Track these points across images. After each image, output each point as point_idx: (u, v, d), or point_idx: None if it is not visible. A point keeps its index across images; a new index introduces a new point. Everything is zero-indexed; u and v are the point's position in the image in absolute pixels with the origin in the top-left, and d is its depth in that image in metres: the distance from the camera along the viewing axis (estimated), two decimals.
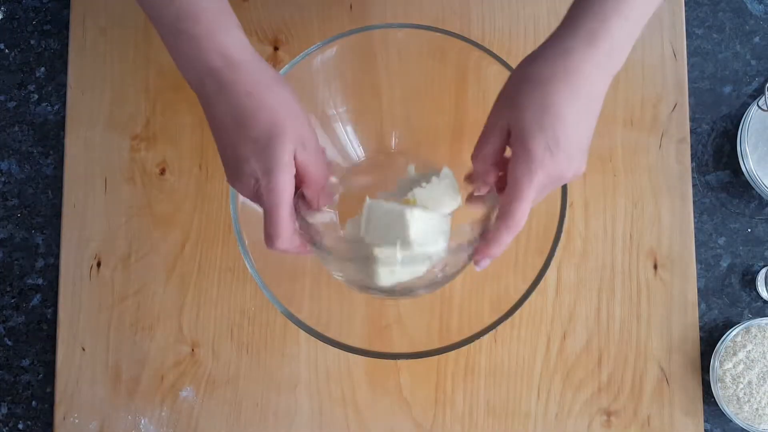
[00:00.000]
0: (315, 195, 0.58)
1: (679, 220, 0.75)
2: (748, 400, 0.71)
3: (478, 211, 0.62)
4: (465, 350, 0.74)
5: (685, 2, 0.77)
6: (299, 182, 0.56)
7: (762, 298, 0.75)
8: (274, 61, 0.78)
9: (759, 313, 0.76)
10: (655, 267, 0.75)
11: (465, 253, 0.60)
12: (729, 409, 0.72)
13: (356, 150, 0.74)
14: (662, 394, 0.74)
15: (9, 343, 0.77)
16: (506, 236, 0.54)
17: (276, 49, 0.78)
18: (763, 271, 0.75)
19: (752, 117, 0.74)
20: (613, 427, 0.74)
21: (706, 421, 0.74)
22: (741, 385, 0.72)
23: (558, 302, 0.75)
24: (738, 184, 0.76)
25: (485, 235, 0.57)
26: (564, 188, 0.65)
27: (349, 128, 0.73)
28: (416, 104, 0.74)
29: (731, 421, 0.72)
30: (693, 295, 0.74)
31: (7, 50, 0.80)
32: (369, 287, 0.61)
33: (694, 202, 0.76)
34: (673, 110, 0.76)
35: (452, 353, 0.74)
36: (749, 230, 0.76)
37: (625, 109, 0.76)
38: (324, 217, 0.64)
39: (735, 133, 0.76)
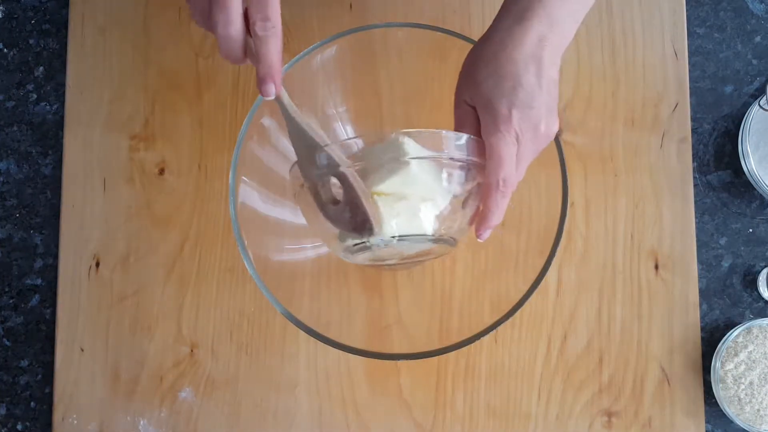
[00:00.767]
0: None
1: (680, 220, 0.75)
2: (750, 401, 0.71)
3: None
4: (465, 351, 0.74)
5: (686, 1, 0.77)
6: None
7: (763, 298, 0.75)
8: None
9: (760, 314, 0.75)
10: (656, 267, 0.74)
11: (467, 209, 0.59)
12: (730, 409, 0.71)
13: (356, 149, 0.74)
14: (663, 395, 0.74)
15: (7, 343, 0.77)
16: (501, 201, 0.55)
17: None
18: (765, 271, 0.75)
19: (753, 117, 0.74)
20: (614, 428, 0.73)
21: (707, 422, 0.74)
22: (742, 386, 0.71)
23: (559, 303, 0.74)
24: (739, 184, 0.76)
25: (482, 206, 0.57)
26: (565, 189, 0.65)
27: (349, 128, 0.73)
28: (416, 104, 0.73)
29: (732, 422, 0.72)
30: (694, 295, 0.74)
31: (5, 50, 0.79)
32: (367, 242, 0.57)
33: (696, 202, 0.76)
34: (674, 110, 0.76)
35: (452, 354, 0.74)
36: (750, 230, 0.76)
37: (625, 109, 0.76)
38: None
39: (736, 132, 0.76)
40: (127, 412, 0.75)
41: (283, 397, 0.75)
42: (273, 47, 0.50)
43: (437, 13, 0.77)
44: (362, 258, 0.61)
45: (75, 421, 0.75)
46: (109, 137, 0.77)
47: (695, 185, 0.76)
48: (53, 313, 0.77)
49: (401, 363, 0.74)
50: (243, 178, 0.66)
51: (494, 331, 0.64)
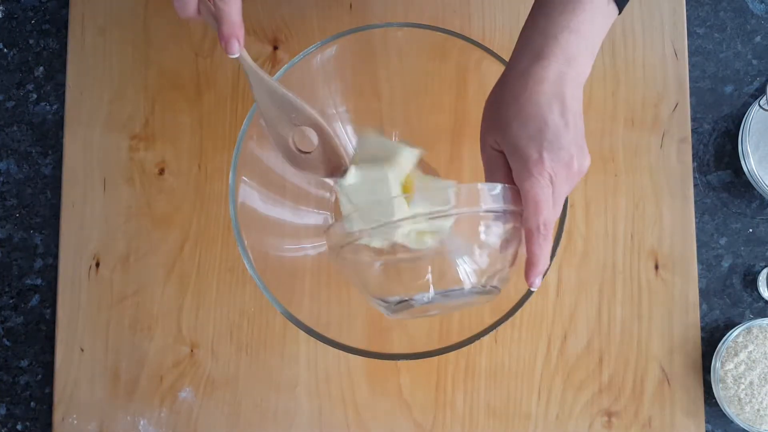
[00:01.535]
0: None
1: (680, 220, 0.75)
2: (750, 401, 0.71)
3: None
4: (465, 351, 0.74)
5: (686, 1, 0.77)
6: None
7: (763, 298, 0.75)
8: (274, 61, 0.77)
9: (760, 314, 0.75)
10: (657, 267, 0.74)
11: (506, 254, 0.58)
12: (730, 409, 0.71)
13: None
14: (663, 395, 0.74)
15: (7, 343, 0.77)
16: (545, 244, 0.54)
17: (275, 48, 0.78)
18: (765, 271, 0.75)
19: (753, 117, 0.74)
20: (614, 428, 0.73)
21: (707, 422, 0.74)
22: (742, 386, 0.71)
23: (559, 303, 0.74)
24: (739, 184, 0.76)
25: (528, 254, 0.56)
26: None
27: (349, 128, 0.73)
28: (416, 104, 0.73)
29: (732, 422, 0.72)
30: (694, 295, 0.74)
31: (5, 50, 0.79)
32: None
33: (696, 202, 0.76)
34: (674, 110, 0.76)
35: (452, 354, 0.74)
36: (750, 230, 0.76)
37: (626, 109, 0.76)
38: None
39: (736, 132, 0.76)
40: (127, 412, 0.75)
41: (283, 397, 0.75)
42: (234, 6, 0.52)
43: (437, 13, 0.77)
44: (406, 315, 0.60)
45: (75, 421, 0.75)
46: (109, 137, 0.77)
47: (695, 185, 0.76)
48: (53, 313, 0.77)
49: (401, 363, 0.74)
50: (243, 178, 0.66)
51: (494, 331, 0.64)
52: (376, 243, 0.56)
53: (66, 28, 0.79)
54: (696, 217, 0.75)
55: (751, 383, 0.71)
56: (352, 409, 0.74)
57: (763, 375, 0.71)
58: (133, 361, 0.75)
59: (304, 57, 0.66)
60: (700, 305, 0.75)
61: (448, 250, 0.56)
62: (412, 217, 0.55)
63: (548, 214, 0.54)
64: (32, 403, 0.77)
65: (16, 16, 0.80)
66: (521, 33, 0.57)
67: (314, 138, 0.59)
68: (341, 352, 0.64)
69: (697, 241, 0.75)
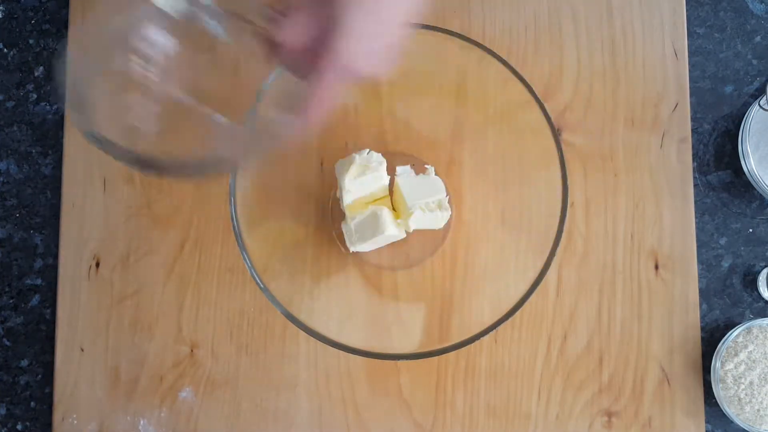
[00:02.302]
0: None
1: (680, 220, 0.75)
2: (750, 401, 0.71)
3: None
4: (465, 351, 0.74)
5: (686, 1, 0.77)
6: None
7: (763, 298, 0.75)
8: (273, 61, 0.77)
9: (760, 314, 0.75)
10: (657, 267, 0.74)
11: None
12: (730, 409, 0.71)
13: None
14: (663, 395, 0.74)
15: (7, 343, 0.77)
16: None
17: None
18: (765, 271, 0.75)
19: (753, 117, 0.74)
20: (614, 428, 0.73)
21: (707, 422, 0.74)
22: (742, 386, 0.71)
23: (559, 303, 0.74)
24: (739, 184, 0.76)
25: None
26: (565, 189, 0.65)
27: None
28: (416, 104, 0.73)
29: (732, 422, 0.72)
30: (694, 295, 0.74)
31: (5, 49, 0.79)
32: None
33: (696, 202, 0.76)
34: (674, 110, 0.76)
35: (452, 354, 0.74)
36: (750, 230, 0.76)
37: (625, 109, 0.76)
38: None
39: (736, 132, 0.76)
40: (127, 412, 0.75)
41: (283, 397, 0.75)
42: None
43: (437, 12, 0.77)
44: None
45: (75, 421, 0.75)
46: None
47: (695, 185, 0.76)
48: (53, 313, 0.77)
49: (401, 363, 0.74)
50: (243, 177, 0.66)
51: (494, 331, 0.64)
52: None
53: (66, 28, 0.79)
54: (696, 217, 0.75)
55: (751, 383, 0.71)
56: (352, 409, 0.74)
57: (763, 375, 0.71)
58: (133, 361, 0.75)
59: None
60: (700, 305, 0.75)
61: None
62: None
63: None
64: (32, 403, 0.77)
65: (16, 16, 0.80)
66: None
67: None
68: (341, 352, 0.64)
69: (697, 241, 0.75)
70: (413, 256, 0.75)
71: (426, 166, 0.73)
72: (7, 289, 0.78)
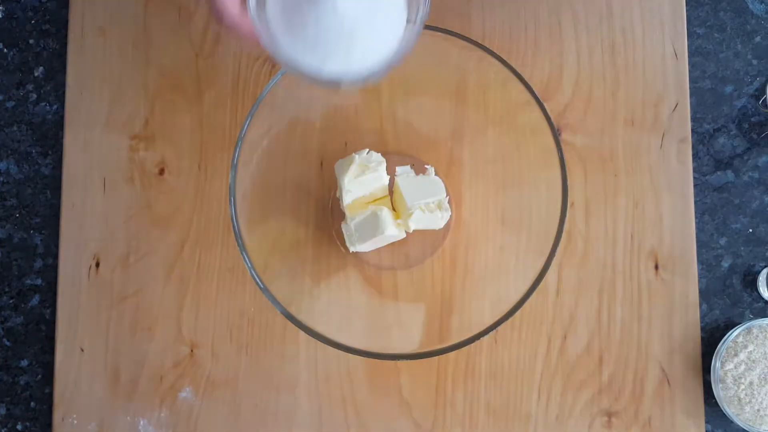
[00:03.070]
0: None
1: (680, 220, 0.75)
2: (750, 401, 0.71)
3: None
4: (465, 351, 0.74)
5: (686, 1, 0.77)
6: None
7: (763, 298, 0.75)
8: (273, 61, 0.77)
9: (760, 314, 0.75)
10: (656, 267, 0.74)
11: None
12: (730, 410, 0.71)
13: None
14: (663, 395, 0.74)
15: (7, 343, 0.77)
16: None
17: None
18: (765, 271, 0.75)
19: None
20: (614, 429, 0.73)
21: (707, 422, 0.74)
22: (742, 386, 0.71)
23: (558, 303, 0.74)
24: (739, 184, 0.76)
25: None
26: (565, 189, 0.65)
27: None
28: (416, 104, 0.73)
29: (732, 422, 0.72)
30: (694, 295, 0.74)
31: (5, 50, 0.79)
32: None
33: (696, 202, 0.76)
34: (674, 110, 0.76)
35: (452, 354, 0.74)
36: (750, 230, 0.76)
37: (625, 109, 0.76)
38: None
39: (736, 133, 0.76)
40: (126, 413, 0.75)
41: (283, 397, 0.75)
42: None
43: (437, 13, 0.77)
44: None
45: (75, 422, 0.75)
46: (109, 137, 0.77)
47: (695, 185, 0.76)
48: (53, 314, 0.77)
49: (401, 363, 0.74)
50: (243, 177, 0.66)
51: (494, 331, 0.64)
52: None
53: (66, 28, 0.79)
54: (696, 217, 0.75)
55: (751, 383, 0.71)
56: (352, 409, 0.74)
57: (763, 375, 0.71)
58: (133, 361, 0.75)
59: None
60: (700, 305, 0.75)
61: None
62: None
63: None
64: (32, 403, 0.77)
65: (16, 16, 0.80)
66: None
67: None
68: (341, 352, 0.64)
69: (697, 241, 0.75)
70: (413, 256, 0.75)
71: (426, 166, 0.73)
72: (7, 289, 0.78)
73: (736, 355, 0.72)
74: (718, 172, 0.77)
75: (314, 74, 0.56)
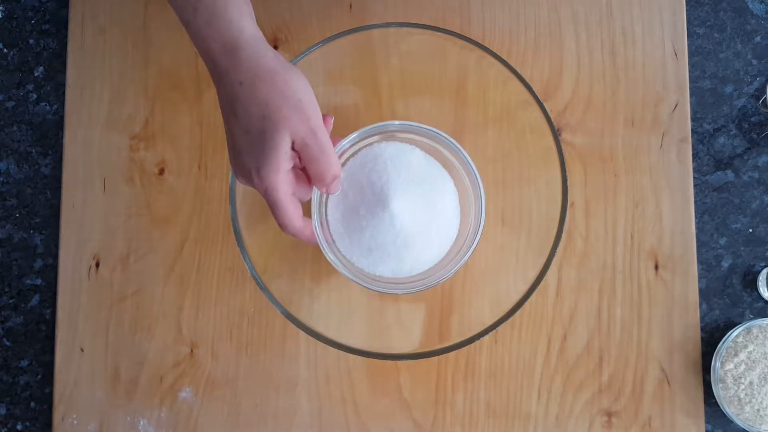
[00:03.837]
0: (321, 186, 0.58)
1: (680, 220, 0.75)
2: (749, 401, 0.71)
3: None
4: (465, 351, 0.74)
5: (686, 1, 0.77)
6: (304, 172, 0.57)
7: (763, 298, 0.75)
8: None
9: (760, 314, 0.75)
10: (656, 267, 0.74)
11: None
12: (730, 410, 0.71)
13: None
14: (663, 395, 0.74)
15: (7, 343, 0.77)
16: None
17: (275, 48, 0.78)
18: (765, 271, 0.75)
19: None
20: (614, 428, 0.73)
21: (707, 422, 0.74)
22: (742, 386, 0.71)
23: (558, 303, 0.74)
24: (739, 184, 0.76)
25: None
26: (565, 189, 0.65)
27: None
28: (416, 104, 0.73)
29: (732, 422, 0.72)
30: (694, 295, 0.74)
31: (5, 50, 0.79)
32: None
33: (696, 202, 0.76)
34: (674, 110, 0.76)
35: (452, 354, 0.74)
36: (750, 230, 0.76)
37: (625, 109, 0.76)
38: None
39: (736, 133, 0.76)
40: (126, 412, 0.75)
41: (283, 397, 0.75)
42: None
43: (437, 13, 0.77)
44: None
45: (75, 421, 0.75)
46: (109, 137, 0.77)
47: (695, 185, 0.76)
48: (53, 313, 0.77)
49: (401, 363, 0.74)
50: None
51: (494, 331, 0.64)
52: None
53: (66, 28, 0.79)
54: (696, 217, 0.75)
55: (751, 383, 0.71)
56: (352, 409, 0.74)
57: (763, 375, 0.71)
58: (133, 361, 0.75)
59: (304, 57, 0.66)
60: (700, 305, 0.75)
61: None
62: None
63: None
64: (32, 403, 0.77)
65: (16, 16, 0.80)
66: None
67: None
68: (341, 352, 0.64)
69: (697, 241, 0.75)
70: None
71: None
72: (7, 289, 0.78)
73: (736, 355, 0.72)
74: (718, 172, 0.77)
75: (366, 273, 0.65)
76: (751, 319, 0.74)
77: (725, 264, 0.76)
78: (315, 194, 0.62)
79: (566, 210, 0.64)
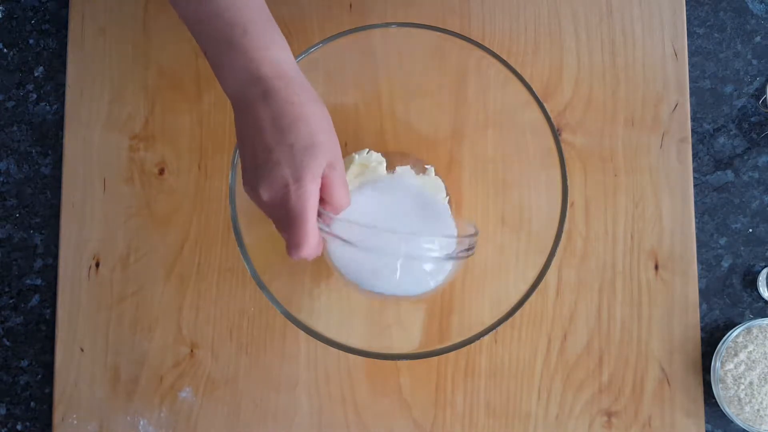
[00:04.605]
0: (333, 212, 0.60)
1: (680, 220, 0.75)
2: (749, 401, 0.71)
3: None
4: (465, 351, 0.74)
5: (686, 1, 0.77)
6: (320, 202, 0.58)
7: (763, 298, 0.75)
8: None
9: (760, 314, 0.75)
10: (656, 267, 0.74)
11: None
12: (730, 410, 0.71)
13: None
14: (663, 395, 0.74)
15: (7, 343, 0.77)
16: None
17: None
18: (765, 271, 0.75)
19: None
20: (614, 428, 0.73)
21: (707, 422, 0.74)
22: (742, 386, 0.71)
23: (558, 303, 0.74)
24: (739, 184, 0.76)
25: None
26: (565, 189, 0.65)
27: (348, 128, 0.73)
28: (416, 104, 0.73)
29: (732, 422, 0.72)
30: (694, 295, 0.74)
31: (5, 50, 0.79)
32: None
33: (696, 202, 0.76)
34: (674, 110, 0.76)
35: (452, 354, 0.74)
36: (750, 230, 0.76)
37: (626, 109, 0.76)
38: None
39: (736, 132, 0.76)
40: (127, 412, 0.75)
41: (283, 397, 0.75)
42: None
43: (437, 13, 0.77)
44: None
45: (75, 421, 0.75)
46: (109, 137, 0.77)
47: (695, 185, 0.76)
48: (53, 313, 0.77)
49: (401, 363, 0.74)
50: None
51: (494, 331, 0.64)
52: None
53: (66, 27, 0.79)
54: (696, 217, 0.75)
55: (751, 383, 0.71)
56: (352, 408, 0.74)
57: (763, 375, 0.71)
58: (133, 361, 0.75)
59: (304, 57, 0.66)
60: (700, 305, 0.75)
61: None
62: None
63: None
64: (32, 403, 0.77)
65: (16, 16, 0.80)
66: None
67: None
68: (341, 351, 0.64)
69: (697, 241, 0.75)
70: None
71: (426, 166, 0.73)
72: (7, 289, 0.78)
73: (736, 355, 0.72)
74: (718, 172, 0.77)
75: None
76: (751, 319, 0.74)
77: (725, 264, 0.76)
78: None
79: (566, 210, 0.64)
